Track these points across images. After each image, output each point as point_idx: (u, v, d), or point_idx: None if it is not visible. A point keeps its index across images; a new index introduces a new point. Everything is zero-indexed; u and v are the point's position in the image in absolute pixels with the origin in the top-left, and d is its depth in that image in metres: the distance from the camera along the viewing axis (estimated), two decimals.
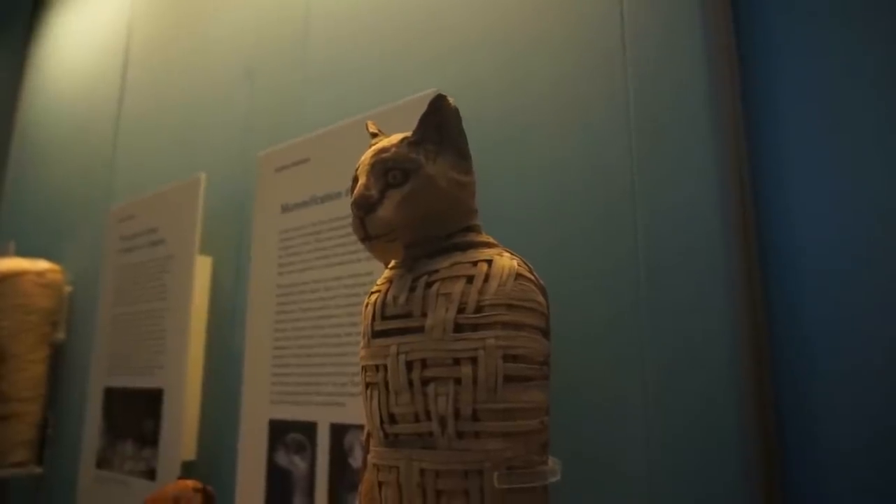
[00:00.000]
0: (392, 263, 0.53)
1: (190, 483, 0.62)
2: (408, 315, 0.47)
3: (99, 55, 1.79)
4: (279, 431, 0.99)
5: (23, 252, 1.72)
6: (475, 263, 0.47)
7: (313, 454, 0.93)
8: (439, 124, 0.49)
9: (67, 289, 1.61)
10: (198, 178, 1.21)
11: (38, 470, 1.56)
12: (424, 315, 0.46)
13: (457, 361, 0.45)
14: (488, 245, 0.50)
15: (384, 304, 0.49)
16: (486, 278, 0.46)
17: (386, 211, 0.47)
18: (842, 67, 0.56)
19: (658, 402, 0.60)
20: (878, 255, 0.52)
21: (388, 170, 0.48)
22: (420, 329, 0.46)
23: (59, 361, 1.60)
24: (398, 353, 0.47)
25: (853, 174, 0.54)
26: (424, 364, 0.46)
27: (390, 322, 0.48)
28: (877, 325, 0.51)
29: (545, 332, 0.48)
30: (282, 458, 0.98)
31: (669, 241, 0.63)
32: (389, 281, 0.51)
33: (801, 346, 0.54)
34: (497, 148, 0.83)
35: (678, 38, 0.68)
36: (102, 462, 1.29)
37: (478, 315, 0.45)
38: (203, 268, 1.22)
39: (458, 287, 0.46)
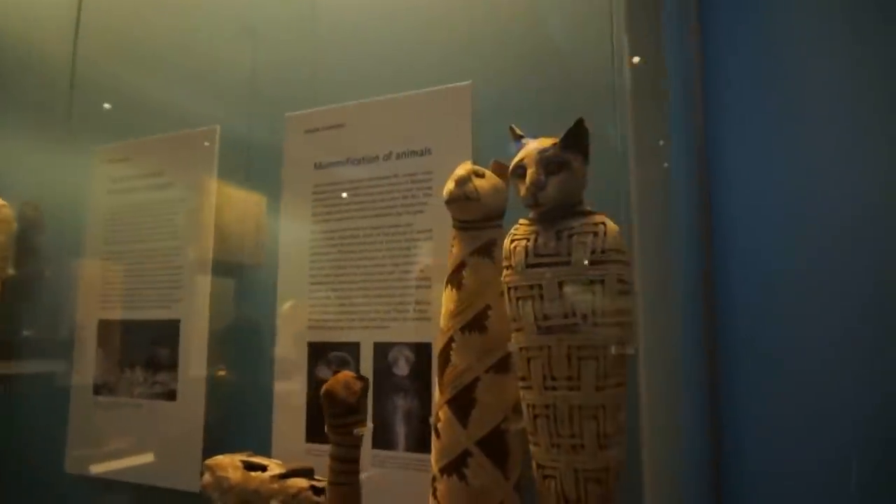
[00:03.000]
0: (528, 221, 0.82)
1: (351, 374, 0.85)
2: (557, 254, 0.77)
3: None
4: (319, 351, 1.21)
5: None
6: (596, 224, 0.78)
7: (357, 368, 1.17)
8: (578, 137, 0.78)
9: (14, 225, 1.58)
10: (214, 128, 1.33)
11: None
12: (569, 254, 0.76)
13: (591, 281, 0.76)
14: (598, 213, 0.81)
15: (536, 246, 0.78)
16: (605, 234, 0.77)
17: (552, 189, 0.76)
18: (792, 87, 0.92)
19: None
20: (813, 244, 0.89)
21: (549, 163, 0.77)
22: (567, 262, 0.76)
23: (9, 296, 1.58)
24: (552, 277, 0.76)
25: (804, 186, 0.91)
26: (571, 283, 0.76)
27: (543, 258, 0.77)
28: (810, 312, 0.87)
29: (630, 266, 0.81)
30: (324, 373, 1.20)
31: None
32: (535, 232, 0.79)
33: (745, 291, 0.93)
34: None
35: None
36: (101, 389, 1.37)
37: (603, 255, 0.76)
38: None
39: (589, 238, 0.77)
